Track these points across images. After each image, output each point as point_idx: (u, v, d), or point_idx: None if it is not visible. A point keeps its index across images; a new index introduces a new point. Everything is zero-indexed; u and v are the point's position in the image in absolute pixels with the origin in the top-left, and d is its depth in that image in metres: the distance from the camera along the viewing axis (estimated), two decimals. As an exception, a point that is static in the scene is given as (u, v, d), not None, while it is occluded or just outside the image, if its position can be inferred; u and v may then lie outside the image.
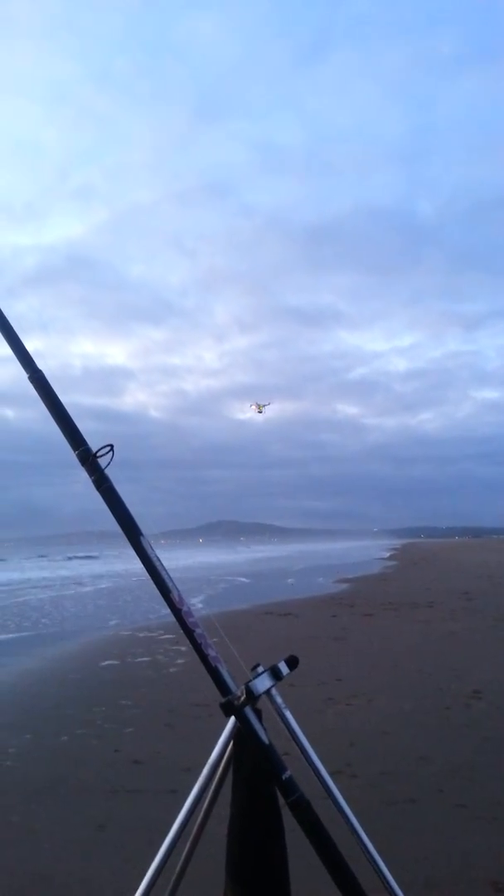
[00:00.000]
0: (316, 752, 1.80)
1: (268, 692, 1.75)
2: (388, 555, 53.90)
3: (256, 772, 1.71)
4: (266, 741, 1.69)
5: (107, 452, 1.77)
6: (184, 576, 29.27)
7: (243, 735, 1.71)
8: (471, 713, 5.71)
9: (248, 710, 1.69)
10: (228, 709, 1.69)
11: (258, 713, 1.74)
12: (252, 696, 1.69)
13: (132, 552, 1.74)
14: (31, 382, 1.87)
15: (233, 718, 1.73)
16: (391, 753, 4.78)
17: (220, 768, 1.79)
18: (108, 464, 1.77)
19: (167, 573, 1.74)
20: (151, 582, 1.75)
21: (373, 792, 4.06)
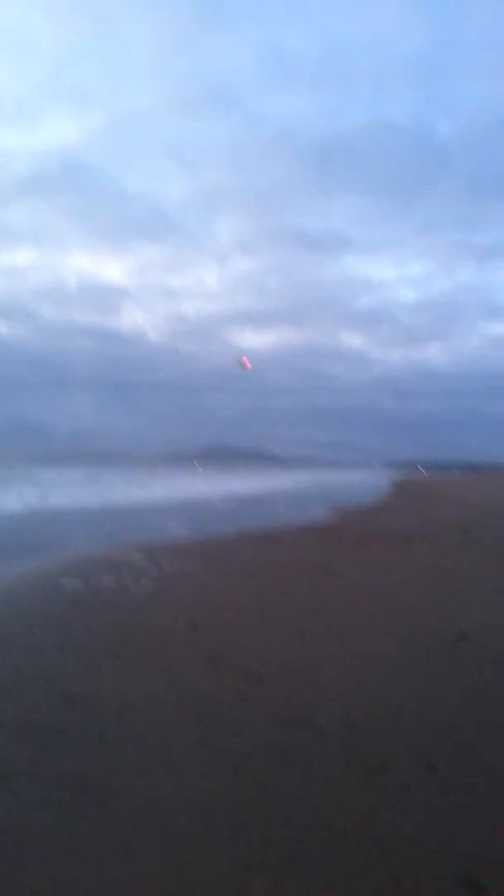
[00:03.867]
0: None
1: None
2: (386, 486, 53.65)
3: None
4: None
5: None
6: (177, 502, 28.91)
7: None
8: (456, 658, 5.09)
9: None
10: None
11: None
12: None
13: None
14: None
15: None
16: (361, 702, 4.16)
17: None
18: None
19: None
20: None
21: (335, 753, 3.45)
